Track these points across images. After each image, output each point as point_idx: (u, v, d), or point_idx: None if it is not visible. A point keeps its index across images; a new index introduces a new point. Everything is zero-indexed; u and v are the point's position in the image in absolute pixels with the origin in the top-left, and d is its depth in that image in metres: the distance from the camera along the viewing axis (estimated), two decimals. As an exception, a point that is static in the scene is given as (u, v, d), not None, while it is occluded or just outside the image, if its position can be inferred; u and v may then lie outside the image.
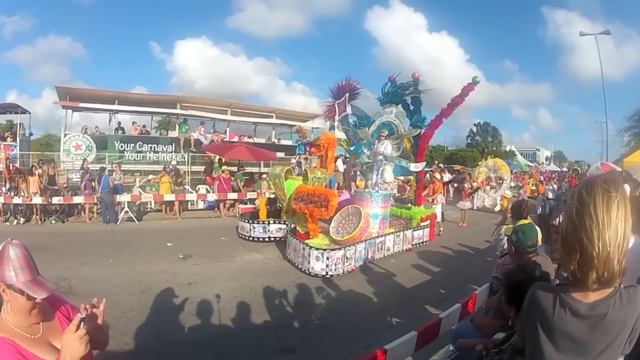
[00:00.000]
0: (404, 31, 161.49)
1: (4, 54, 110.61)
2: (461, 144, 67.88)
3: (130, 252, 9.75)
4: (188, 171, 18.04)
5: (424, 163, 11.83)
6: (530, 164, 47.78)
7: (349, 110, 11.64)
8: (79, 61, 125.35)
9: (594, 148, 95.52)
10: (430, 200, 13.30)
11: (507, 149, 63.02)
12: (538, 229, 3.97)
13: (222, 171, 16.58)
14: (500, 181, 20.10)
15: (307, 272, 8.17)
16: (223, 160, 18.08)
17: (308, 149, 11.45)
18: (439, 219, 12.71)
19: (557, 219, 7.76)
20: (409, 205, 12.57)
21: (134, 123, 20.25)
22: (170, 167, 16.53)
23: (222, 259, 9.31)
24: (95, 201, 14.07)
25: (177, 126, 20.41)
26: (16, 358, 1.62)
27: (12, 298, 1.66)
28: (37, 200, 13.36)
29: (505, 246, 4.87)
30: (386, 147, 10.51)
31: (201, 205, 16.89)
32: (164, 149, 19.09)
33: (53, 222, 13.63)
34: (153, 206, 16.16)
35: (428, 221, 11.44)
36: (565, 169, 35.78)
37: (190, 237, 11.31)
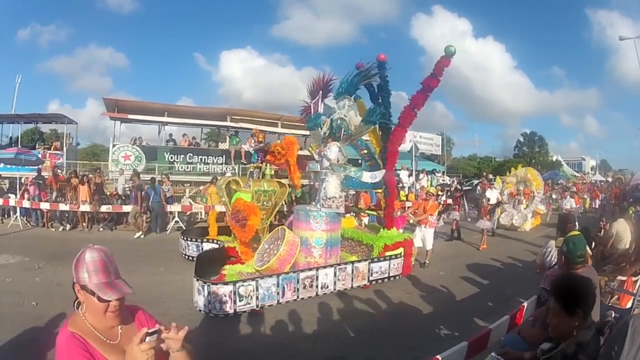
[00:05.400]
0: (449, 38, 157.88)
1: (45, 64, 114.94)
2: (509, 155, 65.84)
3: (180, 260, 9.88)
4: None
5: (384, 171, 8.85)
6: (577, 174, 46.55)
7: (320, 109, 9.28)
8: (121, 72, 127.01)
9: (639, 156, 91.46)
10: (411, 221, 10.93)
11: (554, 159, 61.07)
12: None
13: (273, 183, 16.12)
14: (532, 194, 17.12)
15: (195, 305, 6.57)
16: (273, 173, 18.20)
17: (262, 157, 9.72)
18: (429, 247, 10.15)
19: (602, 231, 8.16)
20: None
21: (184, 135, 20.91)
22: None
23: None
24: (145, 210, 14.34)
25: (227, 138, 20.88)
26: (82, 354, 1.67)
27: (86, 299, 1.76)
28: (85, 208, 13.79)
29: (554, 257, 4.89)
30: (331, 152, 8.42)
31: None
32: (214, 161, 19.71)
33: (101, 229, 14.09)
34: (203, 217, 16.56)
35: (401, 249, 8.61)
36: (609, 179, 34.42)
37: (241, 247, 11.30)
